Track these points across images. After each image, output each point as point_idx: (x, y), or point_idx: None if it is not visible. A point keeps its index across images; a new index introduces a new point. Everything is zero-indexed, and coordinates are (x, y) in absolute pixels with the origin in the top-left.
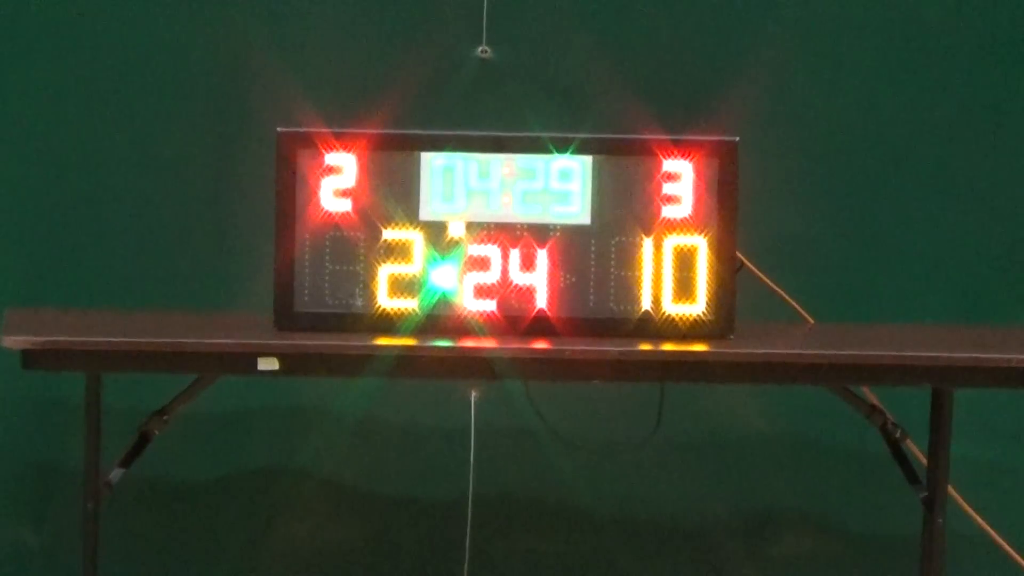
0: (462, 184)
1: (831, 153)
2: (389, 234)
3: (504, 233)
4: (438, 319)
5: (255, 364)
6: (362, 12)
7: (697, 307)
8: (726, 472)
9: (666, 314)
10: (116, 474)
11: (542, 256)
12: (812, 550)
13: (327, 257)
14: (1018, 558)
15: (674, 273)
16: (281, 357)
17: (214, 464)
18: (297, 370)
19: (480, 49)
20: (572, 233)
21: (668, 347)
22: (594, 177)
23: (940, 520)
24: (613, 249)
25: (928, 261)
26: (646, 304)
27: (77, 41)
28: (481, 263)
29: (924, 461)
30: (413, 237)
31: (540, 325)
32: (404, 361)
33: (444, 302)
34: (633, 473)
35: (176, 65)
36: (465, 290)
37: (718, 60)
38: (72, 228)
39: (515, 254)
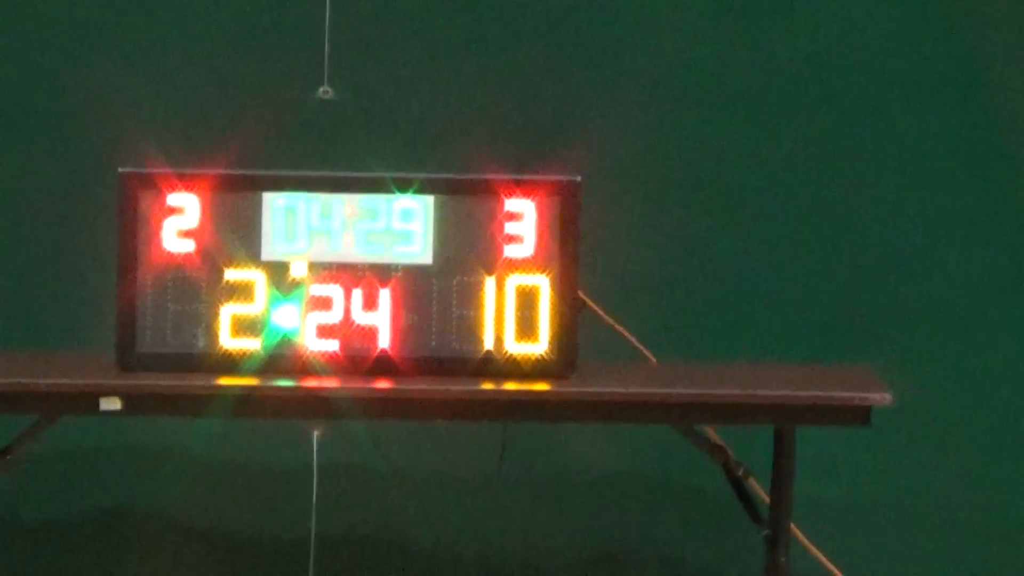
0: (304, 224)
1: (672, 193)
2: (231, 274)
3: (346, 273)
4: (280, 359)
5: (97, 404)
6: (204, 51)
7: (539, 346)
8: (569, 510)
9: (508, 353)
10: None
11: (384, 296)
12: None
13: (169, 297)
14: None
15: (516, 312)
16: (123, 397)
17: (57, 505)
18: (140, 410)
19: (322, 89)
20: (414, 273)
21: (510, 386)
22: (436, 217)
23: (783, 558)
24: (455, 288)
25: (770, 300)
26: (488, 343)
27: None
28: (323, 303)
29: (767, 499)
30: (255, 277)
31: (383, 365)
32: (246, 401)
33: (286, 342)
34: (477, 512)
35: (17, 103)
36: (307, 330)
37: (561, 99)
38: None
39: (357, 294)
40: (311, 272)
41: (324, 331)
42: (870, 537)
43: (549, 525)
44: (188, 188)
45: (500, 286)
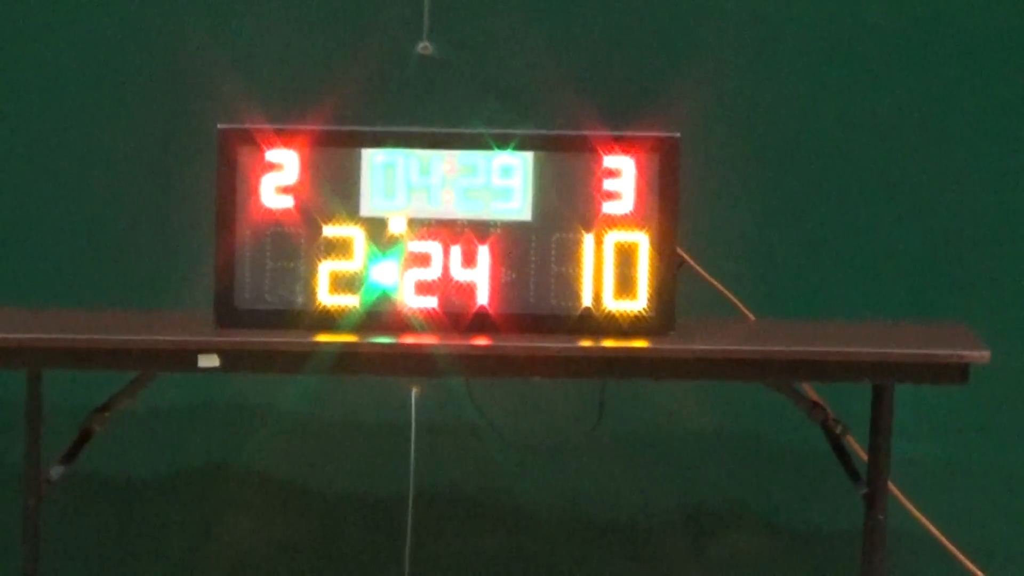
0: (403, 180)
1: (772, 149)
2: (330, 231)
3: (445, 229)
4: (379, 316)
5: (196, 361)
6: (302, 6)
7: (638, 303)
8: (667, 468)
9: (607, 310)
10: (57, 471)
11: (483, 252)
12: (753, 546)
13: (267, 254)
14: (959, 554)
15: (615, 269)
16: (222, 354)
17: (156, 461)
18: (238, 367)
19: (421, 45)
20: (513, 229)
21: (609, 343)
22: (535, 173)
23: (881, 516)
24: (554, 245)
25: (868, 256)
26: (587, 300)
27: (15, 37)
28: (422, 259)
29: (865, 457)
30: (354, 234)
31: (481, 321)
32: (344, 358)
33: (385, 299)
34: (574, 469)
35: (116, 62)
36: (406, 286)
37: (661, 55)
38: (11, 225)
39: (456, 250)
40: (410, 228)
41: (422, 288)
42: (969, 496)
43: (646, 482)
44: (287, 144)
45: (599, 243)
